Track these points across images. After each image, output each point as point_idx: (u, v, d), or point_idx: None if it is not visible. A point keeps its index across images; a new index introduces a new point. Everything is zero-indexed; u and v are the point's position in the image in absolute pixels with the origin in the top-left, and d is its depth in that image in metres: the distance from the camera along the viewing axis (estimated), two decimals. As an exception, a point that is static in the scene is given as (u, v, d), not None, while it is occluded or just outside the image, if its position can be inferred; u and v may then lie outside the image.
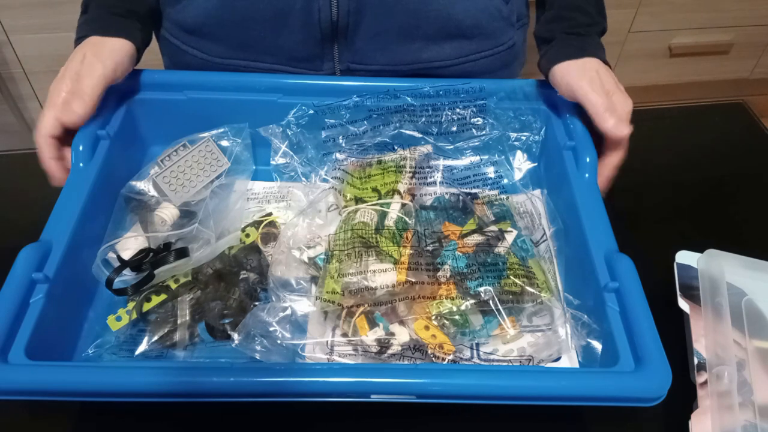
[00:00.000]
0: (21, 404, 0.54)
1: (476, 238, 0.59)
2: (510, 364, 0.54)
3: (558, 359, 0.55)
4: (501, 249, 0.58)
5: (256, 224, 0.63)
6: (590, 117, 0.62)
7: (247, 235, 0.62)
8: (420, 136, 0.69)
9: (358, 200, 0.63)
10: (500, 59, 0.76)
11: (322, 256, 0.58)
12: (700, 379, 0.55)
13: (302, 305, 0.56)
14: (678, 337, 0.59)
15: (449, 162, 0.70)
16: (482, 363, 0.54)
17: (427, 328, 0.54)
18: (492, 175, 0.70)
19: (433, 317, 0.54)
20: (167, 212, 0.61)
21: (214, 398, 0.48)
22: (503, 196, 0.66)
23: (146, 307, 0.55)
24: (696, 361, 0.56)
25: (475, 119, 0.69)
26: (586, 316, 0.54)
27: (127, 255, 0.57)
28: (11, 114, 1.70)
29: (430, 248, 0.58)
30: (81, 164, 0.60)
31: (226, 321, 0.55)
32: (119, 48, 0.64)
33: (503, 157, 0.70)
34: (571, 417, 0.54)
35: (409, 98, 0.68)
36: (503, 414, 0.53)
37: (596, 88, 0.62)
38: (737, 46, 1.89)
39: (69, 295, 0.54)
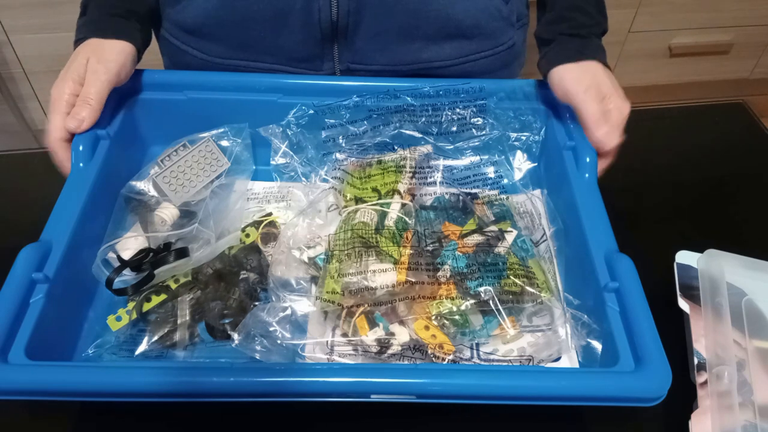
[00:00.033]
0: (21, 404, 0.54)
1: (476, 238, 0.59)
2: (510, 364, 0.54)
3: (558, 359, 0.55)
4: (501, 249, 0.58)
5: (256, 224, 0.63)
6: (583, 124, 0.63)
7: (247, 235, 0.62)
8: (420, 136, 0.69)
9: (358, 200, 0.63)
10: (500, 59, 0.76)
11: (322, 256, 0.58)
12: (700, 379, 0.55)
13: (302, 305, 0.56)
14: (678, 337, 0.59)
15: (449, 162, 0.70)
16: (482, 363, 0.54)
17: (427, 328, 0.54)
18: (492, 175, 0.70)
19: (433, 317, 0.54)
20: (167, 212, 0.61)
21: (214, 398, 0.48)
22: (503, 196, 0.66)
23: (146, 307, 0.55)
24: (696, 361, 0.56)
25: (475, 119, 0.69)
26: (586, 316, 0.54)
27: (127, 255, 0.57)
28: (11, 114, 1.70)
29: (430, 248, 0.58)
30: (81, 164, 0.60)
31: (226, 321, 0.55)
32: (121, 50, 0.64)
33: (503, 157, 0.70)
34: (571, 417, 0.54)
35: (409, 98, 0.68)
36: (503, 414, 0.53)
37: (591, 95, 0.62)
38: (737, 46, 1.89)
39: (69, 295, 0.54)
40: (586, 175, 0.62)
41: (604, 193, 0.60)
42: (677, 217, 0.73)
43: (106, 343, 0.54)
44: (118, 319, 0.55)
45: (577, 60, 0.65)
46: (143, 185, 0.62)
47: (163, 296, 0.56)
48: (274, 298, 0.56)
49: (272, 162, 0.68)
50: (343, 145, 0.68)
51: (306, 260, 0.59)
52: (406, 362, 0.52)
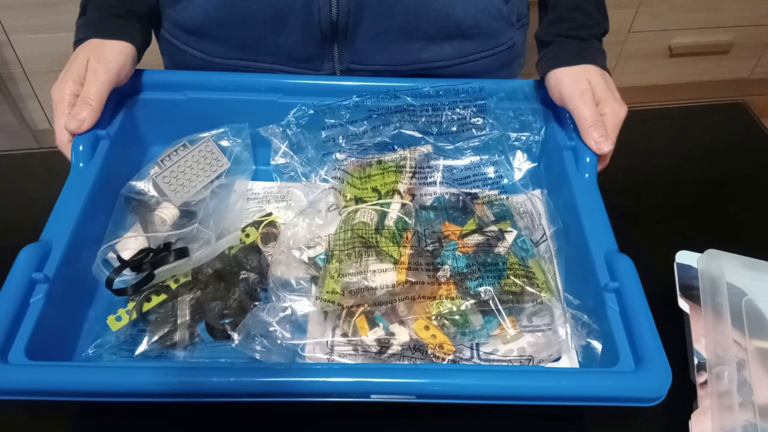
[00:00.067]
0: (21, 404, 0.54)
1: (476, 238, 0.59)
2: (510, 364, 0.54)
3: (558, 359, 0.55)
4: (501, 249, 0.58)
5: (256, 224, 0.63)
6: (579, 128, 0.63)
7: (247, 235, 0.62)
8: (420, 136, 0.69)
9: (358, 200, 0.63)
10: (500, 59, 0.76)
11: (322, 256, 0.58)
12: (700, 379, 0.55)
13: (302, 305, 0.56)
14: (678, 337, 0.59)
15: (449, 162, 0.70)
16: (482, 363, 0.54)
17: (427, 328, 0.54)
18: (492, 175, 0.70)
19: (433, 317, 0.54)
20: (167, 212, 0.61)
21: (214, 398, 0.48)
22: (503, 196, 0.66)
23: (146, 307, 0.55)
24: (696, 361, 0.56)
25: (475, 119, 0.69)
26: (586, 316, 0.54)
27: (127, 255, 0.57)
28: (11, 114, 1.70)
29: (430, 248, 0.58)
30: (81, 164, 0.60)
31: (226, 321, 0.55)
32: (121, 50, 0.64)
33: (503, 157, 0.70)
34: (571, 417, 0.54)
35: (409, 98, 0.68)
36: (503, 414, 0.53)
37: (586, 100, 0.62)
38: (737, 46, 1.89)
39: (69, 295, 0.54)
40: (586, 175, 0.62)
41: (604, 193, 0.60)
42: (677, 217, 0.73)
43: (106, 343, 0.54)
44: (118, 319, 0.55)
45: (574, 63, 0.65)
46: (143, 185, 0.62)
47: (163, 296, 0.56)
48: (274, 298, 0.56)
49: (272, 162, 0.68)
50: (343, 145, 0.68)
51: (306, 260, 0.59)
52: (406, 362, 0.52)
